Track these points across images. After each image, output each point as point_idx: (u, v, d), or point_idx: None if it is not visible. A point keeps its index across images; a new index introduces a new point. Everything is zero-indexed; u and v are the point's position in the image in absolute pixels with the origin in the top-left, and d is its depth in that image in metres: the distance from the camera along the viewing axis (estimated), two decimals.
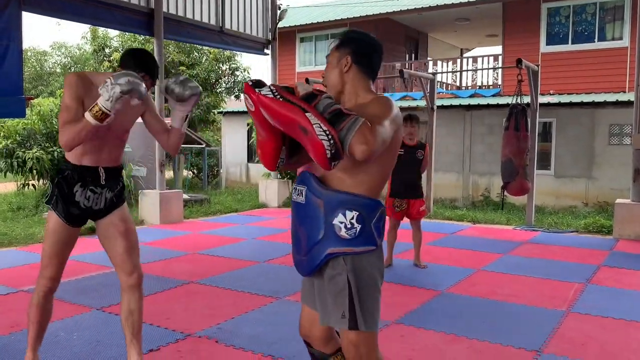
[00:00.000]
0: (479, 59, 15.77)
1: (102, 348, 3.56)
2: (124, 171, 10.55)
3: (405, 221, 6.02)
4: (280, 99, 1.89)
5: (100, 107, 2.50)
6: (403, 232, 6.17)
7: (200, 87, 2.89)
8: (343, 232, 1.97)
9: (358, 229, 1.97)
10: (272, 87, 1.95)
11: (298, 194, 2.11)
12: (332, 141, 1.79)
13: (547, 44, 13.69)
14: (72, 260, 6.21)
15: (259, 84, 1.99)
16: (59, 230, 2.85)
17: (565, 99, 11.97)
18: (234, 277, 5.45)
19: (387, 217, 5.91)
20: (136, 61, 2.78)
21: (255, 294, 4.84)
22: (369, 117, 1.90)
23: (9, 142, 10.88)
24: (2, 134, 11.11)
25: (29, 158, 10.46)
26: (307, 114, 1.84)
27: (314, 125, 1.82)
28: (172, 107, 2.89)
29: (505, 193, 8.59)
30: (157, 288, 4.91)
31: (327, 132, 1.80)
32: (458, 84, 16.78)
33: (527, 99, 8.87)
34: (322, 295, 2.09)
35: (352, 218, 1.97)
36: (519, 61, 8.16)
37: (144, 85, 2.58)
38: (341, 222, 1.97)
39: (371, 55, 2.18)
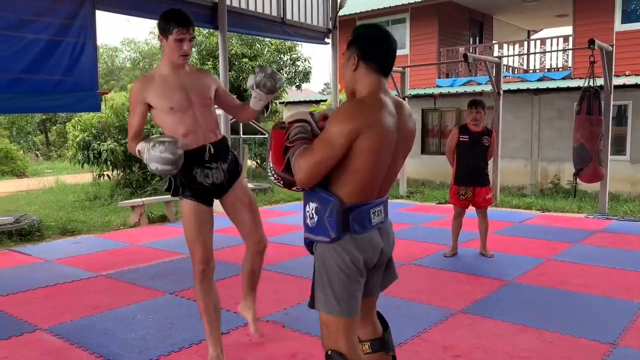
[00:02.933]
0: (547, 41, 15.11)
1: (175, 330, 3.74)
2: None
3: (470, 209, 5.91)
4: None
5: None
6: (468, 220, 6.06)
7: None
8: (308, 221, 2.15)
9: (316, 220, 2.11)
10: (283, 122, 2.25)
11: None
12: (275, 176, 2.17)
13: (623, 22, 12.92)
14: (145, 247, 6.57)
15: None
16: (194, 211, 3.00)
17: None
18: (299, 264, 5.55)
19: (452, 205, 5.87)
20: (171, 19, 2.87)
21: None
22: (322, 132, 2.09)
23: (85, 135, 11.47)
24: (79, 127, 11.73)
25: (103, 150, 11.00)
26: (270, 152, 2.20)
27: (268, 165, 2.20)
28: (257, 95, 3.06)
29: (578, 180, 8.24)
30: (227, 274, 5.06)
31: (272, 170, 2.17)
32: (525, 67, 16.17)
33: (600, 81, 8.45)
34: None
35: (313, 209, 2.12)
36: (591, 41, 7.79)
37: (175, 166, 2.70)
38: (307, 212, 2.15)
39: (377, 50, 2.13)
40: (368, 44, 2.13)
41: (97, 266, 5.57)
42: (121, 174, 11.72)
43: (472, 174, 5.72)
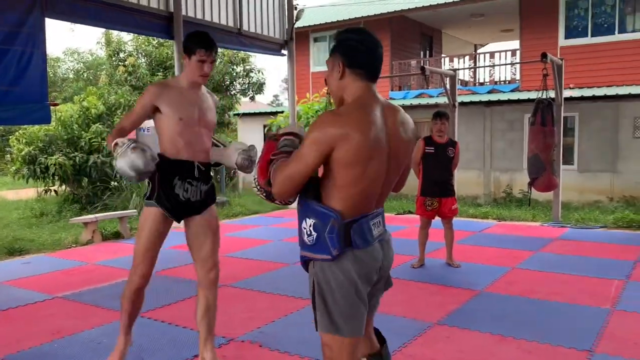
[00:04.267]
0: (496, 54, 15.61)
1: (145, 354, 3.53)
2: None
3: (435, 220, 5.94)
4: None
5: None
6: (431, 230, 6.06)
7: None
8: (305, 238, 2.02)
9: (314, 237, 1.98)
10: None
11: None
12: (258, 188, 2.14)
13: (566, 37, 13.51)
14: (102, 266, 6.25)
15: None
16: (157, 221, 3.00)
17: (587, 92, 11.80)
18: (267, 280, 5.41)
19: (419, 216, 5.87)
20: (196, 41, 3.00)
21: (292, 296, 4.78)
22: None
23: (31, 148, 10.92)
24: (24, 140, 11.16)
25: (51, 164, 10.50)
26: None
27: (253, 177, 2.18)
28: (228, 159, 3.19)
29: (532, 189, 8.45)
30: (192, 292, 4.83)
31: (255, 181, 2.14)
32: (474, 80, 16.63)
33: (550, 94, 8.73)
34: None
35: (310, 225, 1.99)
36: (544, 55, 8.05)
37: (137, 176, 2.79)
38: (304, 228, 2.02)
39: (364, 56, 2.02)
40: (354, 51, 2.02)
41: (52, 287, 5.24)
42: (69, 189, 11.21)
43: (438, 185, 5.77)
